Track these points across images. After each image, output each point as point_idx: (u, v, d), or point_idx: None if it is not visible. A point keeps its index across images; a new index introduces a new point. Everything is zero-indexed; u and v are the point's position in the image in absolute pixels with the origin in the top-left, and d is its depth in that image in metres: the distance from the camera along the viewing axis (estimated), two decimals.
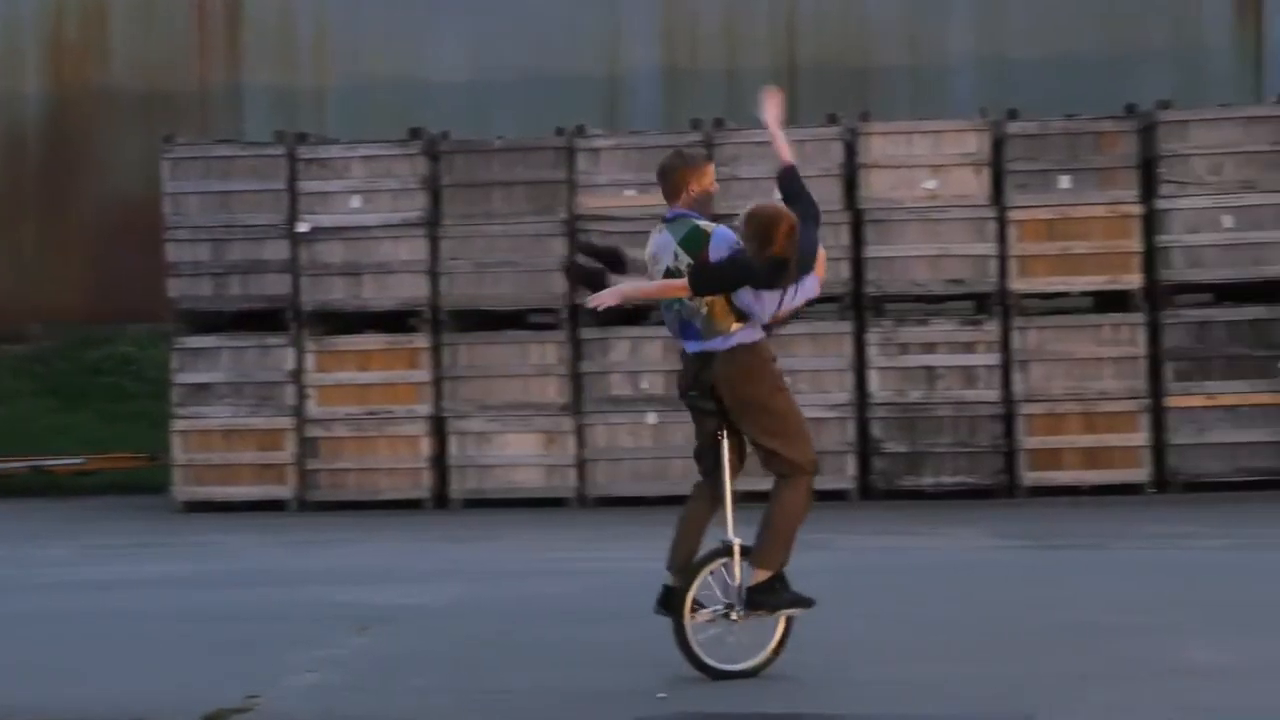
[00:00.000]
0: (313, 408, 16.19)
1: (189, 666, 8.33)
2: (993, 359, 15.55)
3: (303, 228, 16.32)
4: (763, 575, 7.57)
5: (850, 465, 15.71)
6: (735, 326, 7.67)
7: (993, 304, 15.71)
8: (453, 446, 16.09)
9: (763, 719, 7.00)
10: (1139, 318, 15.60)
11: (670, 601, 7.54)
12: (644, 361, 15.96)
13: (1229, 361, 15.54)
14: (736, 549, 7.61)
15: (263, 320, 16.49)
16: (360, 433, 16.14)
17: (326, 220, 16.31)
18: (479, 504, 15.99)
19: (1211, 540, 12.64)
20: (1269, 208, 15.51)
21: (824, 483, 15.51)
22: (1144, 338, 15.58)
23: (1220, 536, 12.81)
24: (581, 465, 16.00)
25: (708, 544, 7.67)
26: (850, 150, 16.02)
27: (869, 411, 15.70)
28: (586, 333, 16.05)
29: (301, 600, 10.36)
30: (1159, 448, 15.59)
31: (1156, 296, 15.66)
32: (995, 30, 20.13)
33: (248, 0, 21.32)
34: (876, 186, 15.88)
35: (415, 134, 16.63)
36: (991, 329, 15.62)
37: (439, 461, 16.16)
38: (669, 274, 7.73)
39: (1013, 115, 16.02)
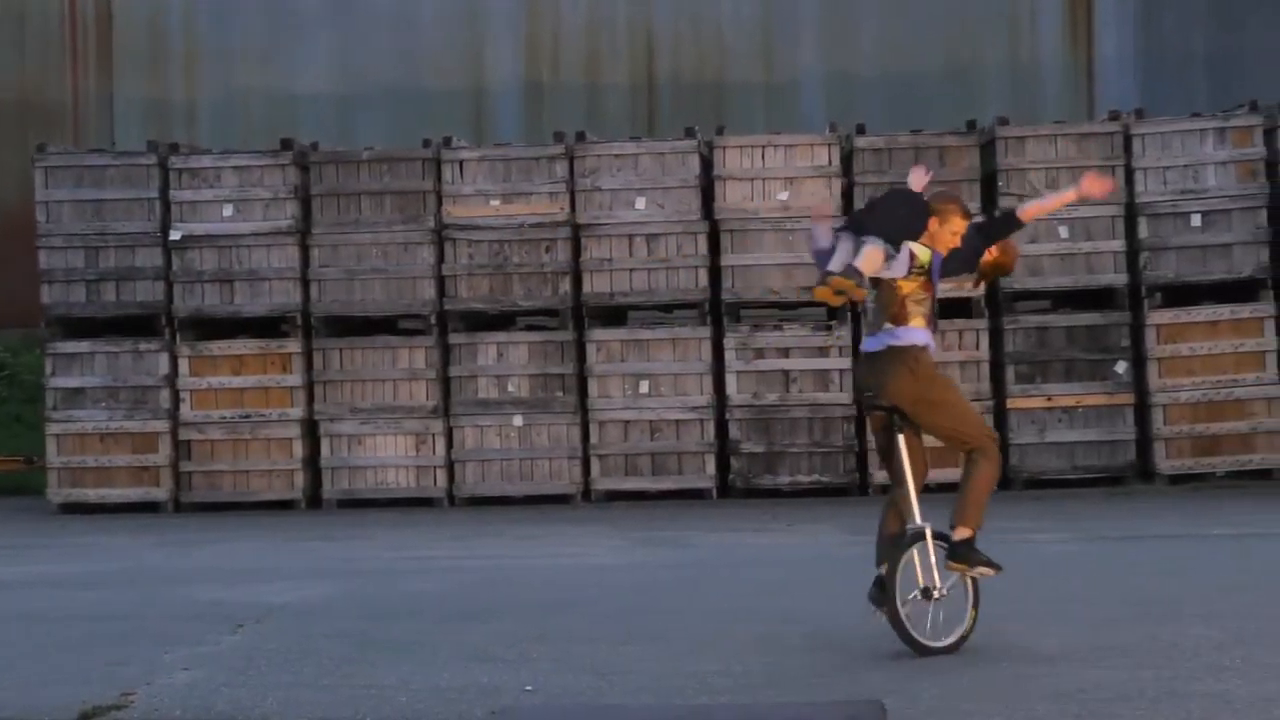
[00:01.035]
0: (187, 411, 16.40)
1: (64, 666, 8.28)
2: (844, 363, 16.00)
3: (175, 235, 16.53)
4: (964, 533, 8.15)
5: (709, 465, 16.17)
6: (912, 324, 8.09)
7: (843, 310, 16.16)
8: (325, 448, 16.37)
9: (613, 710, 7.16)
10: (982, 323, 16.17)
11: (882, 591, 8.04)
12: (511, 365, 16.35)
13: (1066, 365, 16.15)
14: (928, 533, 8.08)
15: (137, 325, 16.66)
16: (234, 435, 16.39)
17: (199, 228, 16.53)
18: (351, 504, 16.23)
19: (1051, 534, 13.01)
20: (1101, 219, 16.15)
21: (683, 481, 16.21)
22: (986, 342, 16.14)
23: (1059, 530, 13.22)
24: (450, 466, 16.32)
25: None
26: (707, 163, 16.50)
27: (727, 413, 16.16)
28: (455, 337, 16.40)
29: (176, 599, 10.37)
30: (1002, 447, 16.12)
31: (998, 303, 16.24)
32: (843, 48, 20.63)
33: (119, 12, 21.35)
34: (732, 198, 16.35)
35: (286, 145, 16.88)
36: (843, 334, 16.08)
37: (312, 463, 16.44)
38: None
39: (861, 130, 16.54)
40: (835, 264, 8.14)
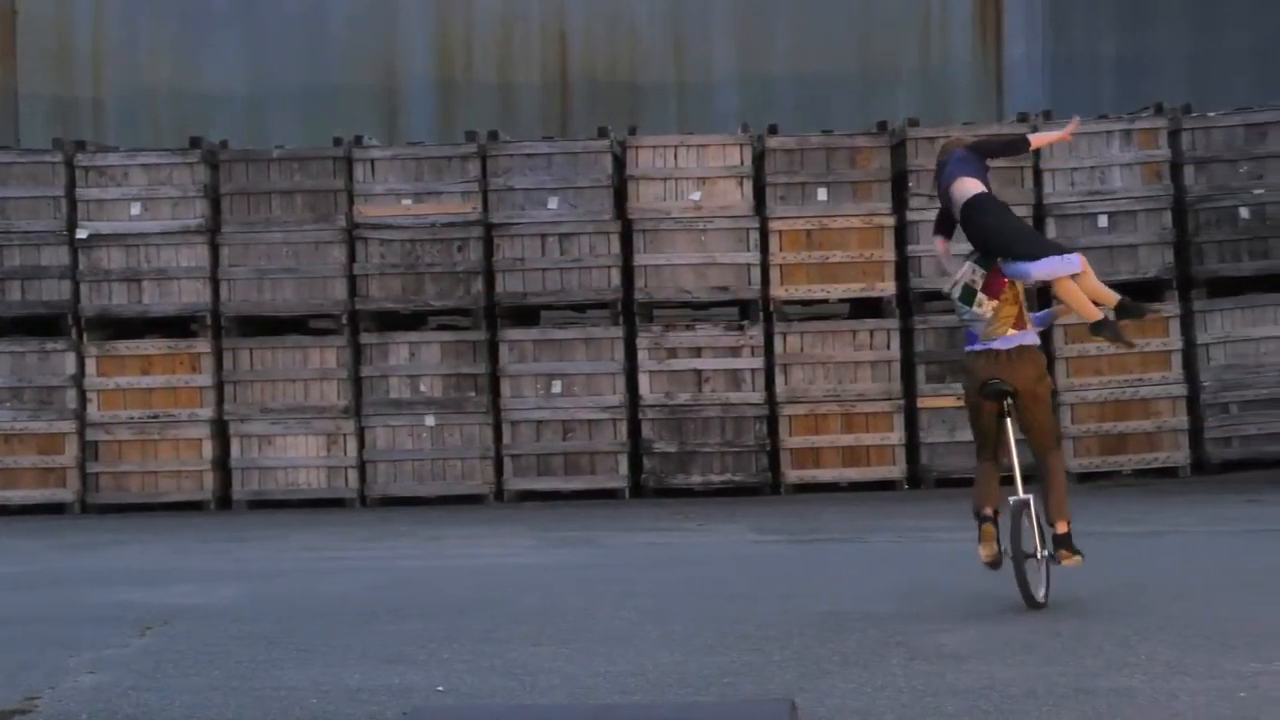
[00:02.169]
0: (94, 412, 16.25)
1: None
2: (756, 363, 16.14)
3: (81, 234, 16.38)
4: (1065, 526, 9.21)
5: (622, 465, 16.22)
6: (1029, 328, 9.28)
7: (755, 310, 16.28)
8: (235, 449, 16.28)
9: (525, 710, 7.16)
10: (893, 323, 16.30)
11: (998, 552, 9.10)
12: (423, 365, 16.31)
13: None
14: (1032, 503, 9.12)
15: (42, 325, 16.51)
16: (143, 436, 16.25)
17: (106, 227, 16.39)
18: (262, 505, 16.17)
19: (960, 533, 12.94)
20: None
21: (596, 481, 16.23)
22: (898, 342, 16.29)
23: (967, 529, 13.14)
24: (362, 466, 16.28)
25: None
26: (620, 162, 16.54)
27: (640, 413, 16.21)
28: (366, 337, 16.35)
29: (82, 602, 10.30)
30: (913, 446, 16.32)
31: (909, 303, 16.38)
32: (756, 49, 20.70)
33: (24, 8, 21.11)
34: (645, 197, 16.40)
35: (195, 143, 16.78)
36: (755, 334, 16.20)
37: (222, 464, 16.34)
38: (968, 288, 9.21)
39: (773, 130, 16.66)
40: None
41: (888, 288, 16.32)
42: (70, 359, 16.32)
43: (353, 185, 16.45)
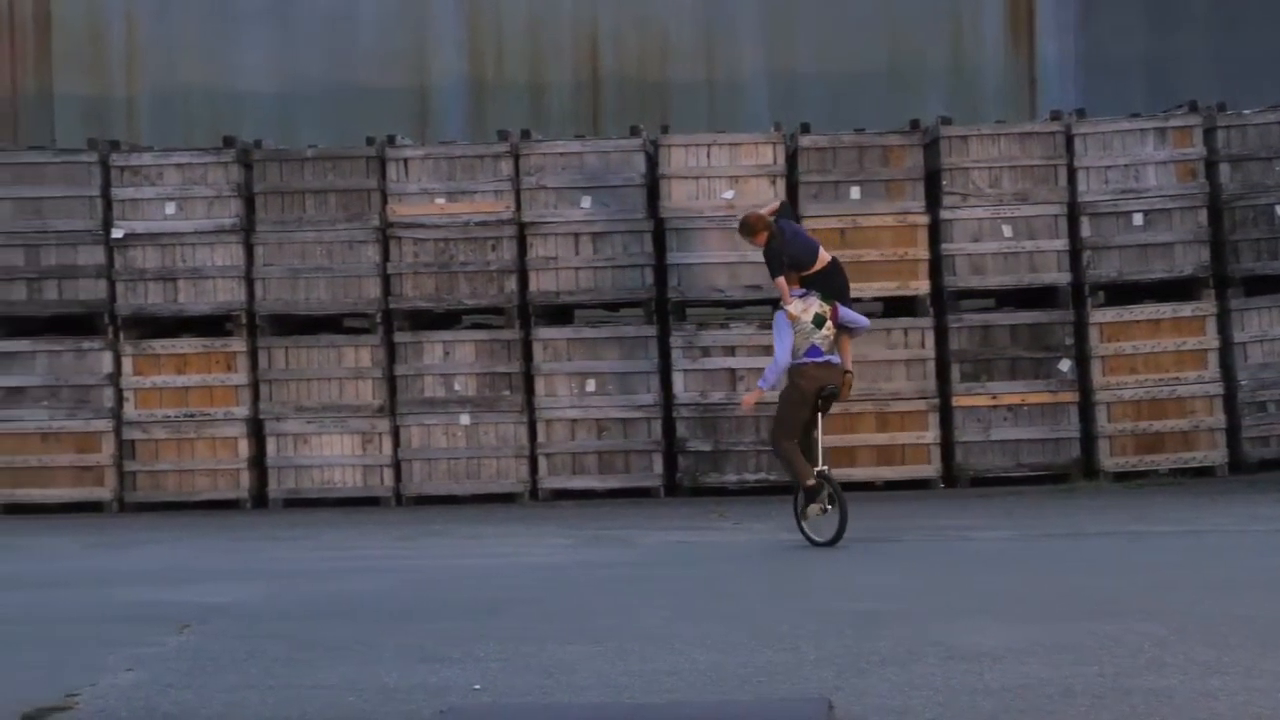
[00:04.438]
0: (131, 410, 16.34)
1: (5, 667, 8.23)
2: None
3: (117, 233, 16.45)
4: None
5: (656, 463, 16.23)
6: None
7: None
8: (271, 448, 16.33)
9: (560, 709, 7.15)
10: (927, 322, 16.28)
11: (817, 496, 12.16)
12: (457, 364, 16.34)
13: (1010, 363, 16.30)
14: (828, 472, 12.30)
15: (79, 324, 16.59)
16: (179, 435, 16.32)
17: (140, 226, 16.46)
18: (297, 504, 16.22)
19: (995, 531, 13.13)
20: (1043, 219, 16.31)
21: (630, 480, 16.24)
22: (932, 341, 16.27)
23: (1003, 528, 13.33)
24: (397, 465, 16.33)
25: None
26: (652, 161, 16.55)
27: (674, 412, 16.22)
28: (400, 336, 16.39)
29: (120, 600, 10.33)
30: (947, 445, 16.30)
31: (942, 302, 16.37)
32: (786, 48, 20.69)
33: (57, 9, 21.22)
34: (677, 196, 16.41)
35: (228, 142, 16.84)
36: None
37: (257, 462, 16.40)
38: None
39: (805, 129, 16.64)
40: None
41: (921, 286, 16.30)
42: (107, 358, 16.39)
43: (386, 185, 16.49)
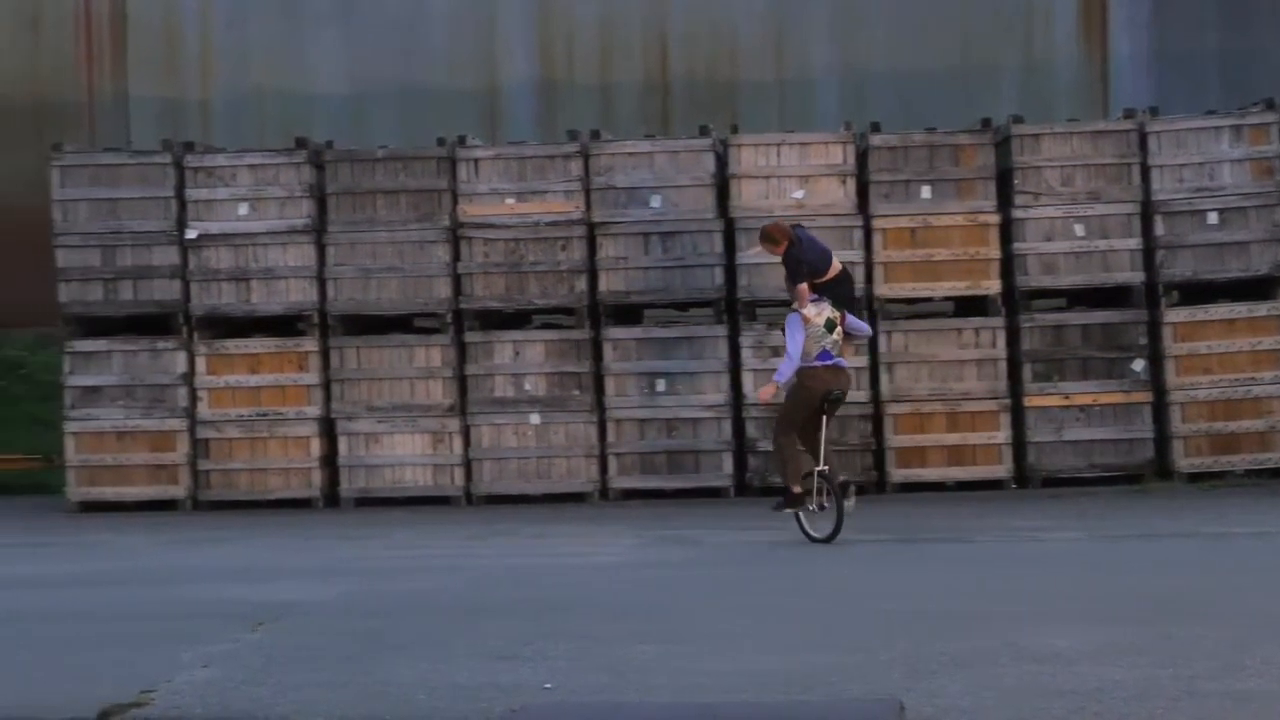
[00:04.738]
0: (204, 410, 16.47)
1: (83, 664, 8.26)
2: (860, 361, 16.02)
3: (191, 234, 16.58)
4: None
5: (726, 463, 16.21)
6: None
7: (859, 308, 16.23)
8: (342, 447, 16.42)
9: (630, 708, 7.16)
10: (998, 321, 16.19)
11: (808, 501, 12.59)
12: (527, 364, 16.37)
13: (1083, 363, 16.19)
14: (827, 471, 12.57)
15: (153, 324, 16.73)
16: (251, 434, 16.44)
17: (214, 227, 16.59)
18: (368, 503, 16.29)
19: (1066, 533, 13.03)
20: (1116, 217, 16.18)
21: (700, 480, 16.23)
22: (1003, 341, 16.17)
23: (1074, 529, 13.23)
24: (467, 464, 16.38)
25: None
26: (721, 161, 16.54)
27: (744, 411, 16.20)
28: (470, 336, 16.45)
29: (194, 597, 10.35)
30: (1019, 445, 16.20)
31: (1014, 301, 16.26)
32: (856, 46, 20.64)
33: (133, 12, 21.43)
34: (747, 196, 16.39)
35: (300, 143, 16.94)
36: None
37: (329, 461, 16.50)
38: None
39: (875, 128, 16.58)
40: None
41: (992, 286, 16.21)
42: (181, 358, 16.53)
43: (457, 185, 16.55)
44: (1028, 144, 16.20)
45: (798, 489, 12.47)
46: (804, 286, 12.59)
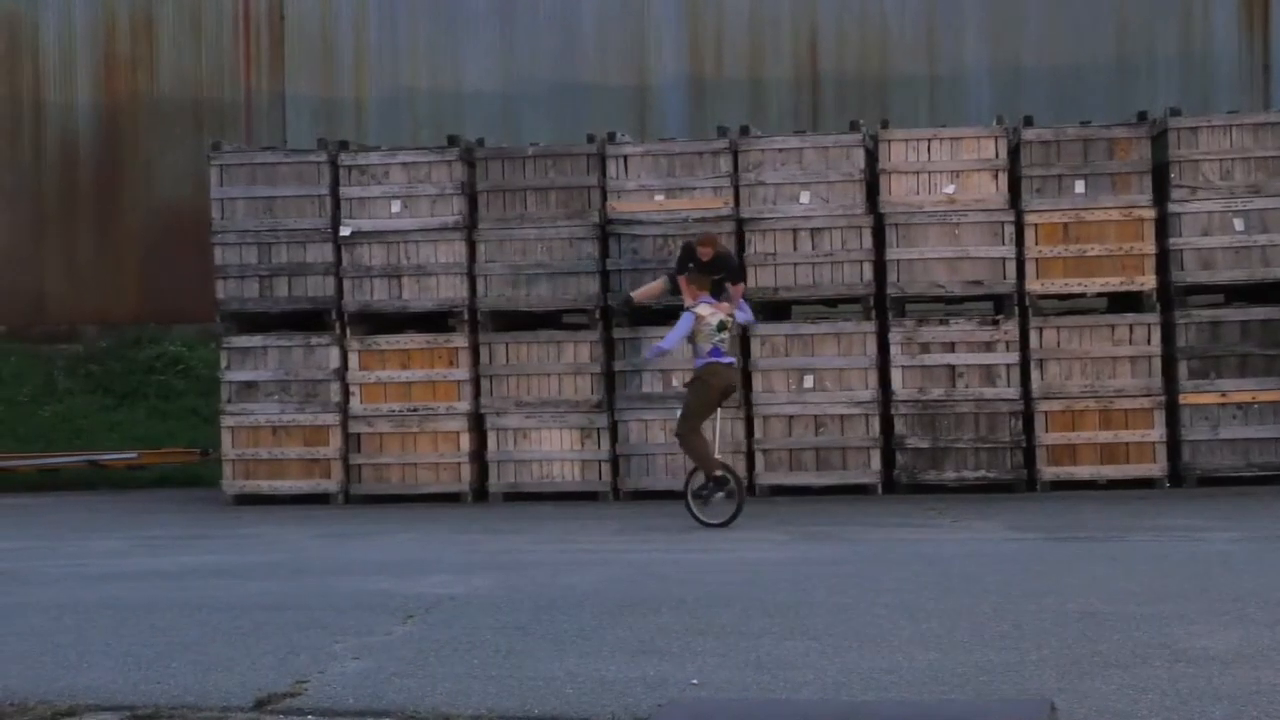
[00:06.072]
0: (356, 405, 16.68)
1: (238, 654, 8.39)
2: (1011, 358, 15.92)
3: (345, 231, 16.80)
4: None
5: (874, 460, 16.13)
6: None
7: (1011, 304, 16.06)
8: (491, 442, 16.56)
9: (779, 704, 7.13)
10: (1153, 318, 15.95)
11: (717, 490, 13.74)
12: (675, 361, 16.35)
13: (1240, 360, 15.89)
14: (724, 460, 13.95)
15: (307, 320, 16.99)
16: (402, 429, 16.62)
17: (367, 224, 16.81)
18: (517, 497, 16.42)
19: (1223, 533, 12.80)
20: (1276, 212, 15.86)
21: (848, 477, 16.16)
22: (1158, 337, 15.93)
23: (1231, 529, 13.01)
24: (615, 460, 16.45)
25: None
26: (872, 156, 16.44)
27: (892, 408, 16.10)
28: (619, 332, 16.50)
29: (346, 589, 10.45)
30: (1174, 443, 15.92)
31: (1170, 298, 16.00)
32: (1009, 40, 20.41)
33: (291, 13, 21.77)
34: (897, 191, 16.28)
35: (452, 141, 17.10)
36: (1010, 328, 15.98)
37: (478, 456, 16.64)
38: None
39: (1028, 122, 16.39)
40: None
41: (1147, 281, 15.96)
42: (334, 353, 16.76)
43: (605, 181, 16.61)
44: (1185, 137, 15.92)
45: (719, 472, 13.65)
46: (685, 280, 14.31)
